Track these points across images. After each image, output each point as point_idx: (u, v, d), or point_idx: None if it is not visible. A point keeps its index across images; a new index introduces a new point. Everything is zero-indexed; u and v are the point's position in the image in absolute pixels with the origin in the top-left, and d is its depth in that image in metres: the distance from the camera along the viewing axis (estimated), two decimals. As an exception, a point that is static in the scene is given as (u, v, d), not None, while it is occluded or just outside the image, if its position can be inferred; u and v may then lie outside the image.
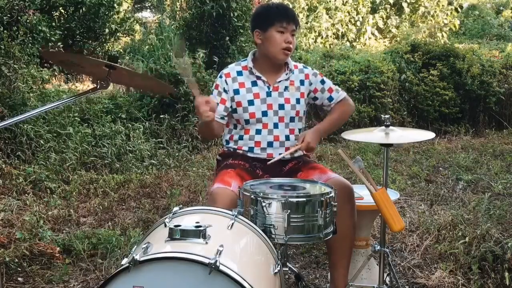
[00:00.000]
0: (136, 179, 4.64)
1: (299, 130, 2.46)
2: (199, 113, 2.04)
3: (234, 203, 1.99)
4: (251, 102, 2.37)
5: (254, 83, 2.41)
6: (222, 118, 2.39)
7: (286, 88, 2.43)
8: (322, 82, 2.51)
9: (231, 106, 2.40)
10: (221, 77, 2.44)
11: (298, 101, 2.43)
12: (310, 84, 2.48)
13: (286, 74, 2.44)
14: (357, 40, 12.55)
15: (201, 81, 6.14)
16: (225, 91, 2.40)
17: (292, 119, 2.41)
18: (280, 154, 2.36)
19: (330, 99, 2.50)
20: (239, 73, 2.44)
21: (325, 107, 2.53)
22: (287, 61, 2.47)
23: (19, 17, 6.12)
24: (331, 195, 1.86)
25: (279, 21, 2.32)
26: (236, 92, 2.40)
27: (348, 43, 11.93)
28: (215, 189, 2.12)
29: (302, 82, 2.47)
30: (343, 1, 12.72)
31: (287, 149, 2.39)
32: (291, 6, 12.62)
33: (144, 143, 5.42)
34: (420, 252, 3.06)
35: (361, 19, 12.70)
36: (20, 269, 2.84)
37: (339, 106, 2.51)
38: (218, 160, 2.51)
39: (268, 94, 2.40)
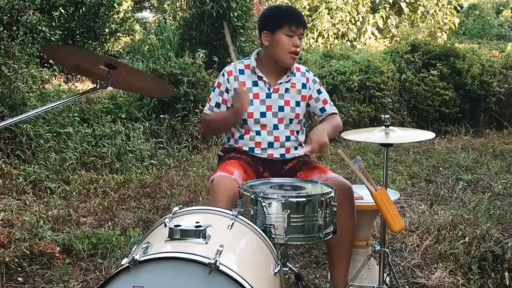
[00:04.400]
0: (136, 179, 4.64)
1: (297, 132, 2.45)
2: (244, 101, 2.20)
3: (235, 193, 1.96)
4: (250, 102, 2.36)
5: (255, 83, 2.41)
6: None
7: (287, 90, 2.42)
8: (319, 91, 2.50)
9: (232, 106, 2.39)
10: (223, 75, 2.44)
11: (298, 104, 2.43)
12: (309, 88, 2.48)
13: (288, 76, 2.44)
14: (358, 40, 12.55)
15: (201, 81, 6.15)
16: (227, 91, 2.40)
17: (291, 121, 2.41)
18: (280, 154, 2.38)
19: (323, 110, 2.48)
20: (241, 72, 2.43)
21: (316, 116, 2.51)
22: None
23: (19, 17, 6.13)
24: (331, 195, 1.86)
25: (289, 24, 2.30)
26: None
27: (348, 43, 11.94)
28: (217, 177, 2.11)
29: (304, 86, 2.46)
30: (343, 0, 12.72)
31: (287, 150, 2.40)
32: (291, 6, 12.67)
33: (144, 143, 5.42)
34: (420, 252, 3.06)
35: (361, 19, 12.70)
36: (20, 269, 2.84)
37: (331, 119, 2.46)
38: (220, 155, 2.50)
39: (268, 95, 2.39)
